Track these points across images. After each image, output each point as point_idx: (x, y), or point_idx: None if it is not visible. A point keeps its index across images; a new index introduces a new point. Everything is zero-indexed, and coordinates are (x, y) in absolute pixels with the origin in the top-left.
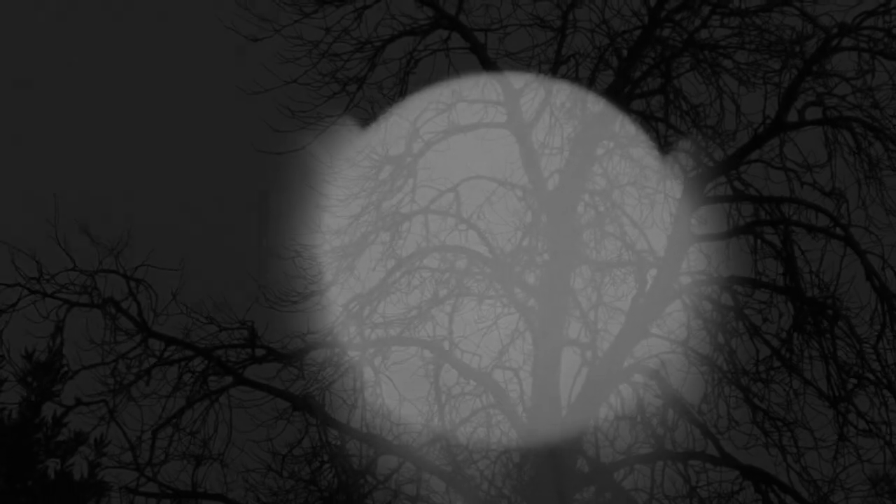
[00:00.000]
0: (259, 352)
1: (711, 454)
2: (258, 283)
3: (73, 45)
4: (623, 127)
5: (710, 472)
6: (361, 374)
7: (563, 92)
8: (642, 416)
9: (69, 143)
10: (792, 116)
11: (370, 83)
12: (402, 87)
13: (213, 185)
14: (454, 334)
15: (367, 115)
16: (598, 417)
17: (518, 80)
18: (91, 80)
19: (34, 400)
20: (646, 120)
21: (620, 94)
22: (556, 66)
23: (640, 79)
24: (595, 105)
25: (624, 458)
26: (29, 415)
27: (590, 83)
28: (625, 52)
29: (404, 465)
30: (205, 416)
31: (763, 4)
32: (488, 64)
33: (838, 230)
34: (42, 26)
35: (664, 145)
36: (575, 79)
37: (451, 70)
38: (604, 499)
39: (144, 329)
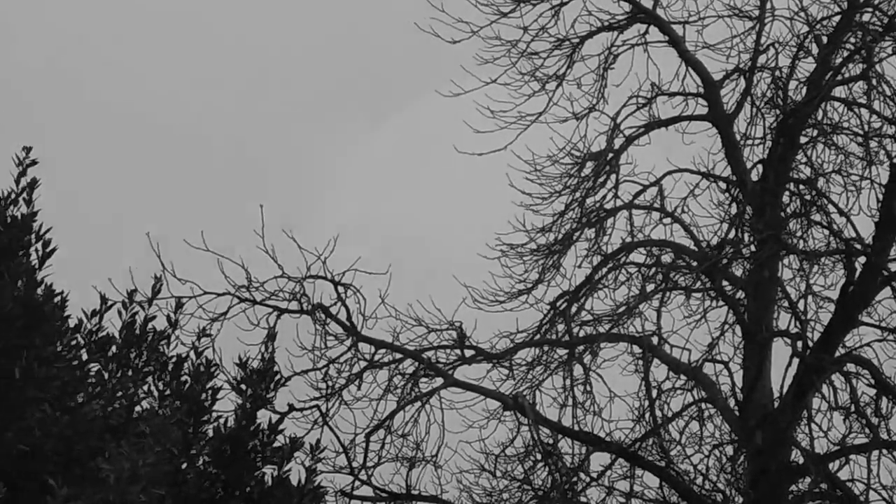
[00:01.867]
0: (468, 352)
1: None
2: (464, 283)
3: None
4: (825, 114)
5: None
6: (571, 372)
7: (763, 81)
8: (855, 405)
9: (272, 152)
10: None
11: (569, 80)
12: (602, 83)
13: (417, 187)
14: (662, 329)
15: (568, 113)
16: (811, 408)
17: (717, 72)
18: (288, 88)
19: (249, 407)
20: (848, 107)
21: (821, 82)
22: (755, 55)
23: (841, 65)
24: (796, 93)
25: (838, 448)
26: (245, 422)
27: (790, 71)
28: (824, 39)
29: (617, 462)
30: (416, 418)
31: None
32: (687, 56)
33: None
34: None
35: (868, 131)
36: (775, 67)
37: (650, 64)
38: (819, 490)
39: (354, 333)
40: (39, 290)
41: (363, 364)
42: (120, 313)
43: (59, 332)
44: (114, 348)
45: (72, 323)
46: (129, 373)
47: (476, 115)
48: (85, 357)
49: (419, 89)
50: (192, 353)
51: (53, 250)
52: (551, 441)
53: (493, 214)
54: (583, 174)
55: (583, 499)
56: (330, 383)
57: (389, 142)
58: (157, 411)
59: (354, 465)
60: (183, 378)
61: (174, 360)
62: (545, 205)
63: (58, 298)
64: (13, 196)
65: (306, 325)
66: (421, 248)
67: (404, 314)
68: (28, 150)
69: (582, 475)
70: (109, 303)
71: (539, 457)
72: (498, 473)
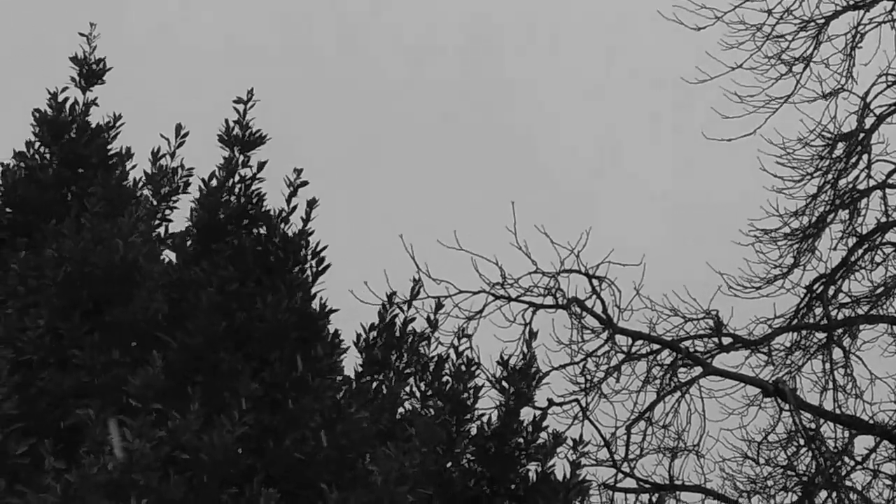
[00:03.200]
0: (725, 340)
1: None
2: (719, 271)
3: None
4: None
5: None
6: (830, 356)
7: None
8: None
9: (520, 150)
10: None
11: (816, 61)
12: (849, 63)
13: (665, 180)
14: None
15: (816, 94)
16: None
17: None
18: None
19: (511, 404)
20: None
21: None
22: None
23: None
24: None
25: None
26: (507, 419)
27: None
28: None
29: (881, 444)
30: (676, 409)
31: None
32: None
33: None
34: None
35: None
36: None
37: None
38: None
39: (610, 326)
40: (314, 304)
41: (621, 356)
42: (380, 316)
43: (333, 345)
44: (377, 352)
45: (331, 329)
46: (392, 375)
47: (724, 100)
48: (354, 364)
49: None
50: (452, 353)
51: (327, 267)
52: (813, 426)
53: (745, 200)
54: (834, 155)
55: (847, 483)
56: (588, 377)
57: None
58: (421, 412)
59: (616, 457)
60: (444, 378)
61: (435, 360)
62: (797, 188)
63: (332, 312)
64: (285, 214)
65: (562, 319)
66: (674, 237)
67: (659, 305)
68: (299, 171)
69: (846, 459)
70: (388, 318)
71: (802, 442)
72: (761, 460)
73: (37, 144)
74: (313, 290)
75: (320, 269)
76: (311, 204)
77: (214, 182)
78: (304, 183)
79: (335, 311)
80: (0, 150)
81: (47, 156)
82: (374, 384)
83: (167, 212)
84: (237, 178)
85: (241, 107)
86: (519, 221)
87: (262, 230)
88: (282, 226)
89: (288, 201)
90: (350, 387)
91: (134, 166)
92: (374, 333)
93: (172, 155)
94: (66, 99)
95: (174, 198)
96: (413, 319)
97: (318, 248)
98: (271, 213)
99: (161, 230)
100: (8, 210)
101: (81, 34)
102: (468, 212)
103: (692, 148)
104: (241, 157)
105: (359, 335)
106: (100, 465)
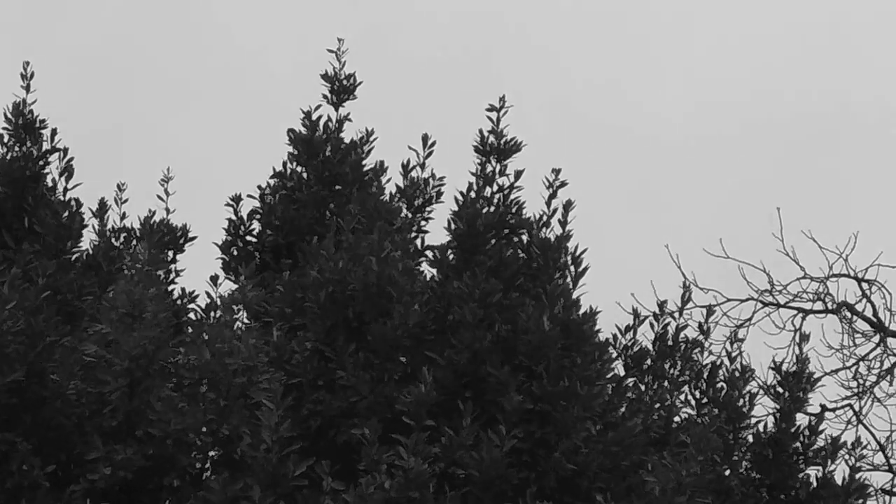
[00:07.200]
0: None
1: None
2: None
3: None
4: None
5: None
6: None
7: None
8: None
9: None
10: None
11: None
12: None
13: None
14: None
15: None
16: None
17: None
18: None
19: (786, 410)
20: None
21: None
22: None
23: None
24: None
25: None
26: (784, 425)
27: None
28: None
29: None
30: None
31: None
32: None
33: None
34: None
35: None
36: None
37: None
38: None
39: (882, 329)
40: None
41: (893, 359)
42: (652, 325)
43: (599, 350)
44: (648, 360)
45: (601, 337)
46: (666, 384)
47: None
48: (622, 373)
49: None
50: (725, 360)
51: (585, 269)
52: None
53: None
54: None
55: None
56: (861, 381)
57: None
58: (696, 420)
59: (893, 461)
60: (718, 385)
61: (708, 367)
62: None
63: (597, 317)
64: (545, 219)
65: (832, 324)
66: None
67: None
68: (557, 171)
69: None
70: (642, 317)
71: None
72: None
73: (293, 164)
74: (574, 296)
75: (579, 271)
76: (568, 206)
77: (472, 194)
78: (564, 184)
79: (598, 312)
80: (257, 173)
81: (304, 175)
82: (647, 391)
83: (422, 223)
84: (494, 187)
85: (494, 115)
86: (785, 227)
87: (524, 238)
88: (543, 230)
89: (548, 204)
90: (617, 392)
91: (388, 180)
92: (630, 335)
93: (422, 166)
94: (319, 117)
95: (428, 208)
96: (685, 327)
97: (577, 253)
98: (531, 219)
99: (417, 242)
100: (269, 232)
101: (330, 50)
102: (733, 220)
103: None
104: (498, 167)
105: (615, 336)
106: (377, 484)
